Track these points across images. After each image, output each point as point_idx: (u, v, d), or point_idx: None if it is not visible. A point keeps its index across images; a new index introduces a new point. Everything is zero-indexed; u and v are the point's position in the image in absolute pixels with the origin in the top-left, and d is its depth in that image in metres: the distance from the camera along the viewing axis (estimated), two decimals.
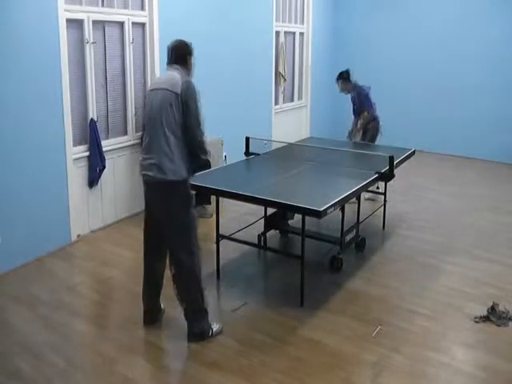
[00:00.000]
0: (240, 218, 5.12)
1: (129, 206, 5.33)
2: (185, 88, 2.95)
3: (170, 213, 3.04)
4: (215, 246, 4.06)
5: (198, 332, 3.16)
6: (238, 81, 6.65)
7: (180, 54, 3.13)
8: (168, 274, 3.21)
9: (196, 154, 3.03)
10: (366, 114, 5.79)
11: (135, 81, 5.31)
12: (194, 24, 5.67)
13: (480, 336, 3.29)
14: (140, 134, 5.25)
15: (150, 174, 3.00)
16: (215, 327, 3.23)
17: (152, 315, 3.35)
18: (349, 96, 6.06)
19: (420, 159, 6.81)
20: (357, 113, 5.97)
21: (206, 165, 3.13)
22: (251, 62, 6.91)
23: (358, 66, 8.58)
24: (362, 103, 5.82)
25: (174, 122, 2.95)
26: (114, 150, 5.11)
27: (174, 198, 3.01)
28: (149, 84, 5.33)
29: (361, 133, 5.86)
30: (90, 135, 4.76)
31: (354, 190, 3.77)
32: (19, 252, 4.19)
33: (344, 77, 5.82)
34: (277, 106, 7.82)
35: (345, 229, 4.21)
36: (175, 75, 3.03)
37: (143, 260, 3.31)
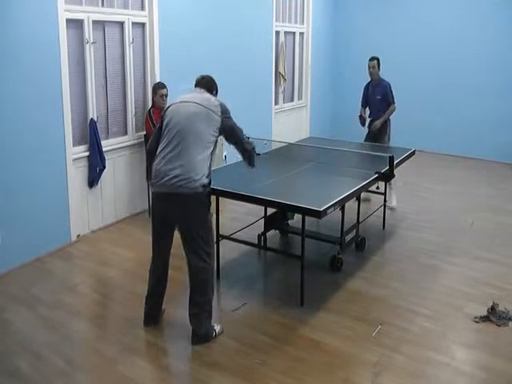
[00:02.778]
0: (240, 218, 5.12)
1: (129, 205, 5.33)
2: (223, 110, 3.15)
3: (195, 223, 3.05)
4: (215, 246, 4.05)
5: (204, 334, 3.15)
6: (238, 81, 6.64)
7: (208, 87, 3.31)
8: (169, 275, 3.21)
9: (248, 154, 3.38)
10: (393, 106, 5.82)
11: (135, 81, 5.31)
12: (194, 24, 5.66)
13: (480, 336, 3.29)
14: (140, 134, 5.30)
15: (177, 183, 2.96)
16: (217, 328, 3.23)
17: (153, 316, 3.35)
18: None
19: (420, 159, 6.79)
20: (376, 104, 5.88)
21: (254, 152, 3.44)
22: (251, 62, 6.91)
23: (358, 66, 8.63)
24: (388, 95, 5.79)
25: (205, 137, 3.03)
26: (114, 149, 5.10)
27: (198, 210, 3.03)
28: (149, 81, 5.35)
29: (379, 122, 5.79)
30: (90, 135, 4.75)
31: (353, 190, 3.77)
32: (19, 252, 4.18)
33: (378, 61, 5.83)
34: (277, 106, 7.82)
35: (345, 229, 4.21)
36: (206, 94, 3.22)
37: (151, 263, 3.28)
